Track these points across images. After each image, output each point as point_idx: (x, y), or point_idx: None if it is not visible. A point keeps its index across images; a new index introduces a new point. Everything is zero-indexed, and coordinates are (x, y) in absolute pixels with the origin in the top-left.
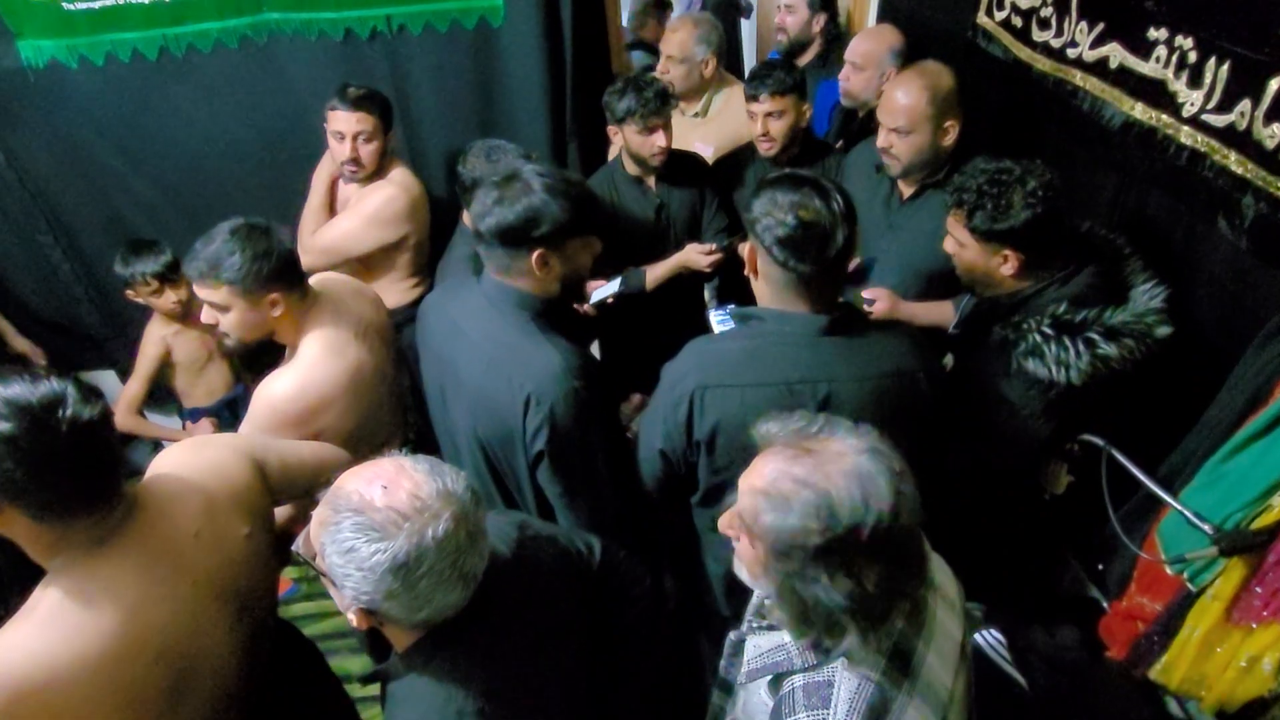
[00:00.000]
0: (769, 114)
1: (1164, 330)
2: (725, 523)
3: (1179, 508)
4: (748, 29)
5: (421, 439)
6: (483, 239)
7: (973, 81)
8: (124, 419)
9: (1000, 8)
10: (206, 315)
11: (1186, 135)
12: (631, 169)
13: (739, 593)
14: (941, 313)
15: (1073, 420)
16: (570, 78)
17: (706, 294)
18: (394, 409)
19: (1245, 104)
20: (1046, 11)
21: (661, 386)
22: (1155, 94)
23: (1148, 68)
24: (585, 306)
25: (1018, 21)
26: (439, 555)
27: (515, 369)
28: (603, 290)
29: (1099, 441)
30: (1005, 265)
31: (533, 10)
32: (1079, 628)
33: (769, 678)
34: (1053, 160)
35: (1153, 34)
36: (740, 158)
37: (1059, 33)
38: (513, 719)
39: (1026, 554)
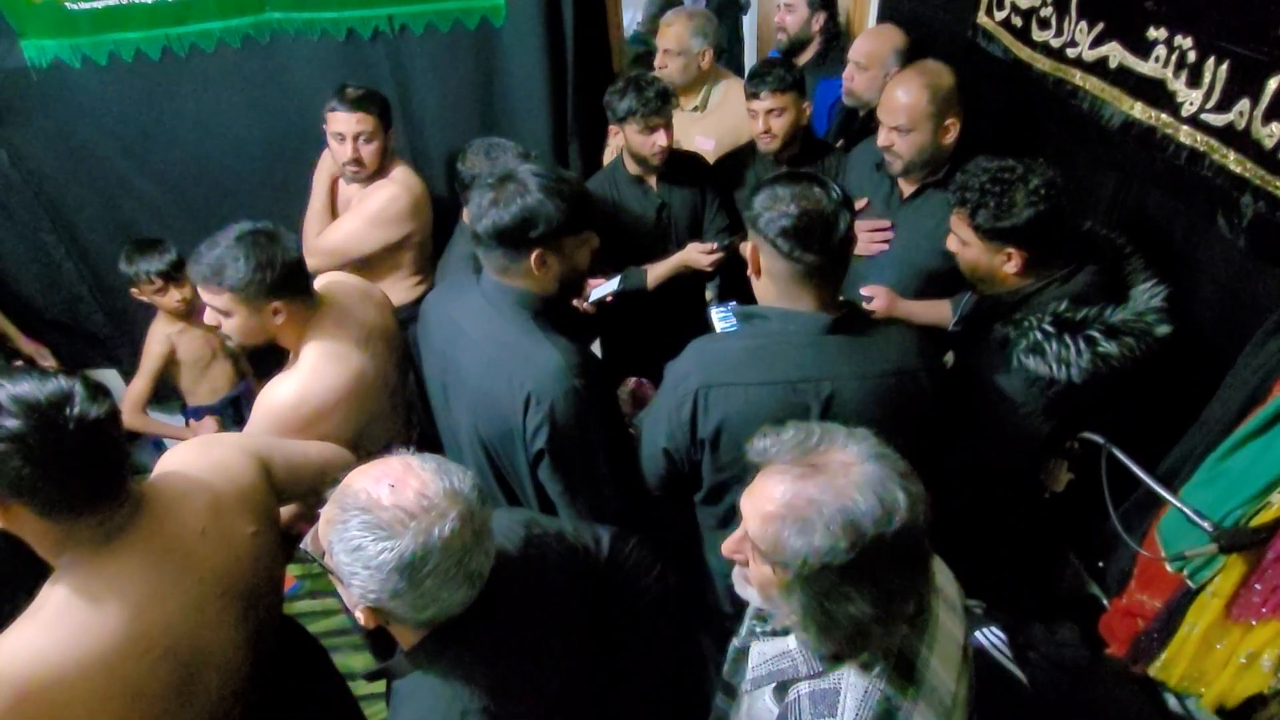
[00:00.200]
0: (770, 111)
1: (1164, 329)
2: (731, 548)
3: (1179, 505)
4: (749, 28)
5: (425, 440)
6: (480, 241)
7: (973, 81)
8: (129, 417)
9: (1000, 7)
10: (209, 317)
11: (1186, 134)
12: (633, 168)
13: None
14: (940, 311)
15: (1073, 418)
16: (571, 77)
17: (708, 293)
18: (396, 414)
19: (1244, 103)
20: (1046, 11)
21: (665, 385)
22: (1154, 93)
23: (1147, 67)
24: (584, 304)
25: (1018, 21)
26: (445, 554)
27: (515, 368)
28: (602, 288)
29: (1099, 439)
30: (1008, 263)
31: (534, 10)
32: (1079, 625)
33: (774, 684)
34: (1052, 159)
35: (1152, 34)
36: (740, 157)
37: (1059, 32)
38: (517, 717)
39: (1027, 552)
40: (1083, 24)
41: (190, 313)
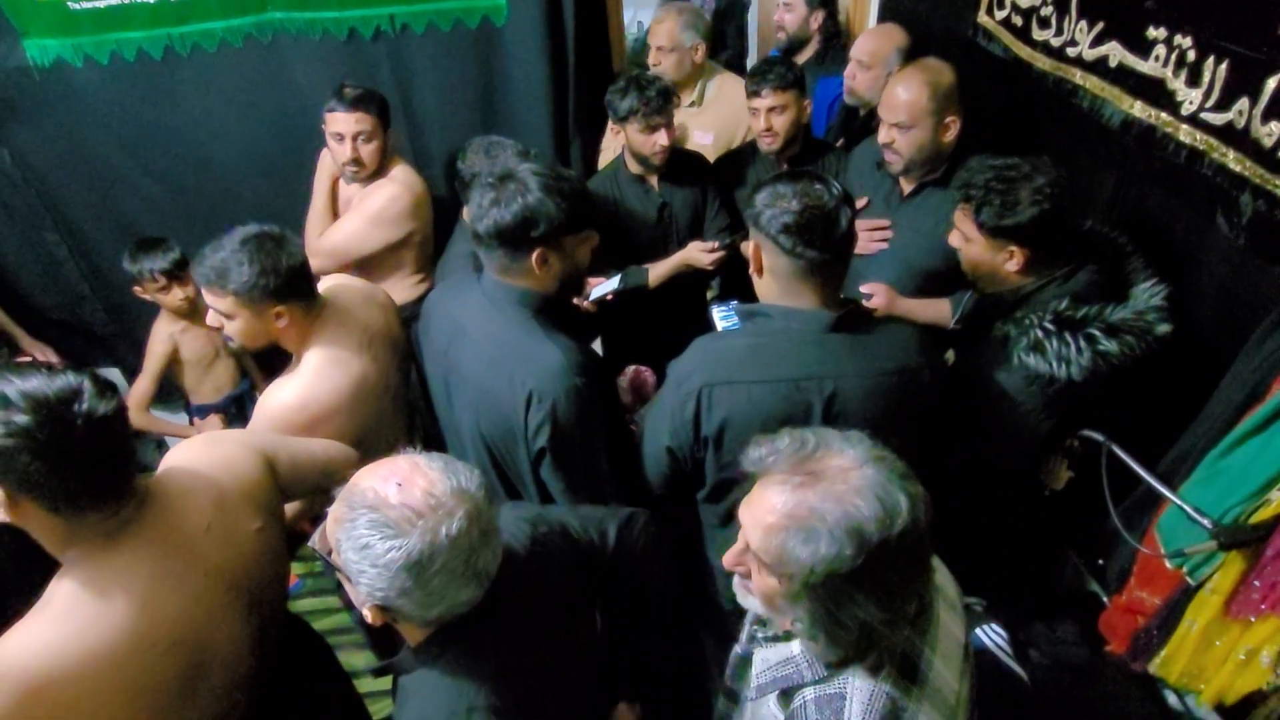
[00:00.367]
0: (771, 109)
1: (1164, 328)
2: (732, 561)
3: (1178, 502)
4: (750, 27)
5: (430, 441)
6: (481, 240)
7: (973, 80)
8: (134, 416)
9: (1000, 6)
10: (212, 319)
11: (1185, 133)
12: (634, 168)
13: None
14: (939, 310)
15: (1073, 416)
16: (573, 77)
17: (709, 292)
18: (398, 418)
19: (1243, 102)
20: (1046, 10)
21: (668, 384)
22: (1154, 92)
23: (1147, 66)
24: (585, 303)
25: (1018, 20)
26: (452, 553)
27: (516, 366)
28: (602, 287)
29: (1099, 437)
30: (1011, 261)
31: (535, 9)
32: (1079, 622)
33: (779, 691)
34: (1052, 159)
35: (1152, 33)
36: (741, 157)
37: (1059, 31)
38: (523, 714)
39: (1027, 549)
40: (1083, 23)
41: (193, 311)
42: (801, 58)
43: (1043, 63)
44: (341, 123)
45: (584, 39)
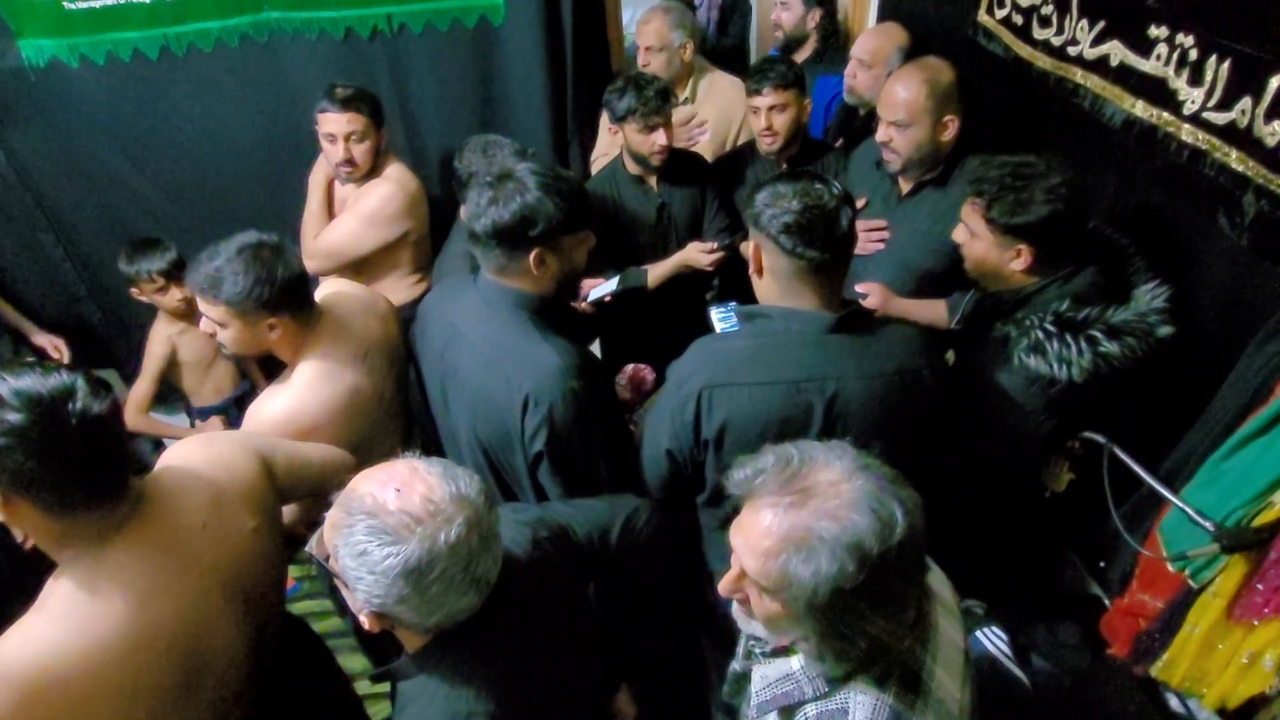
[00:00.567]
0: (772, 107)
1: (1165, 330)
2: (728, 589)
3: (1181, 505)
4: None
5: (428, 448)
6: (478, 240)
7: (973, 79)
8: (133, 419)
9: (1001, 5)
10: (205, 325)
11: (1187, 133)
12: (633, 168)
13: None
14: (935, 311)
15: (1074, 417)
16: (570, 77)
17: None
18: (393, 429)
19: (1246, 101)
20: (1047, 9)
21: (667, 386)
22: (1156, 92)
23: (1148, 65)
24: (582, 304)
25: (1018, 19)
26: (451, 560)
27: (513, 369)
28: (600, 289)
29: (1100, 439)
30: (1017, 260)
31: (533, 9)
32: (1080, 625)
33: (779, 708)
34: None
35: (1153, 32)
36: (740, 157)
37: (1059, 31)
38: (524, 718)
39: (1027, 551)
40: (1084, 22)
41: (191, 312)
42: (799, 56)
43: (1043, 62)
44: (333, 123)
45: (582, 39)
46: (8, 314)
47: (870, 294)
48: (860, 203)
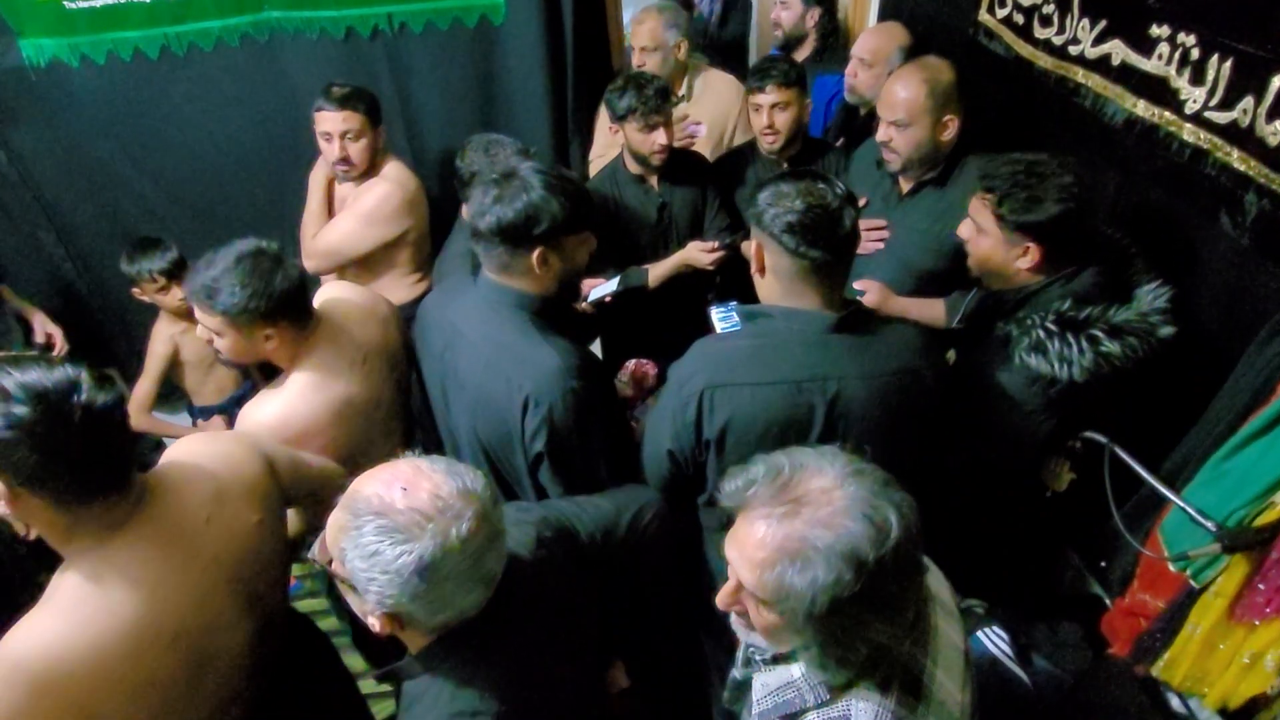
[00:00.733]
0: (774, 105)
1: (1167, 330)
2: (726, 602)
3: (1182, 505)
4: (750, 26)
5: (429, 450)
6: (481, 237)
7: (974, 79)
8: (135, 418)
9: (1002, 5)
10: (202, 331)
11: (1189, 132)
12: (634, 168)
13: None
14: (933, 310)
15: (1075, 417)
16: (571, 76)
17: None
18: (390, 437)
19: (1248, 101)
20: (1049, 9)
21: (668, 387)
22: (1157, 91)
23: (1150, 65)
24: (583, 304)
25: (1019, 19)
26: (463, 555)
27: (513, 370)
28: (601, 289)
29: (1101, 438)
30: (1024, 258)
31: (534, 8)
32: (1081, 624)
33: (781, 716)
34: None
35: (1155, 31)
36: (741, 157)
37: (1061, 30)
38: (528, 718)
39: (1028, 551)
40: (1085, 21)
41: (193, 312)
42: (799, 55)
43: (1044, 61)
44: (329, 121)
45: (583, 38)
46: (12, 301)
47: (868, 291)
48: (860, 202)
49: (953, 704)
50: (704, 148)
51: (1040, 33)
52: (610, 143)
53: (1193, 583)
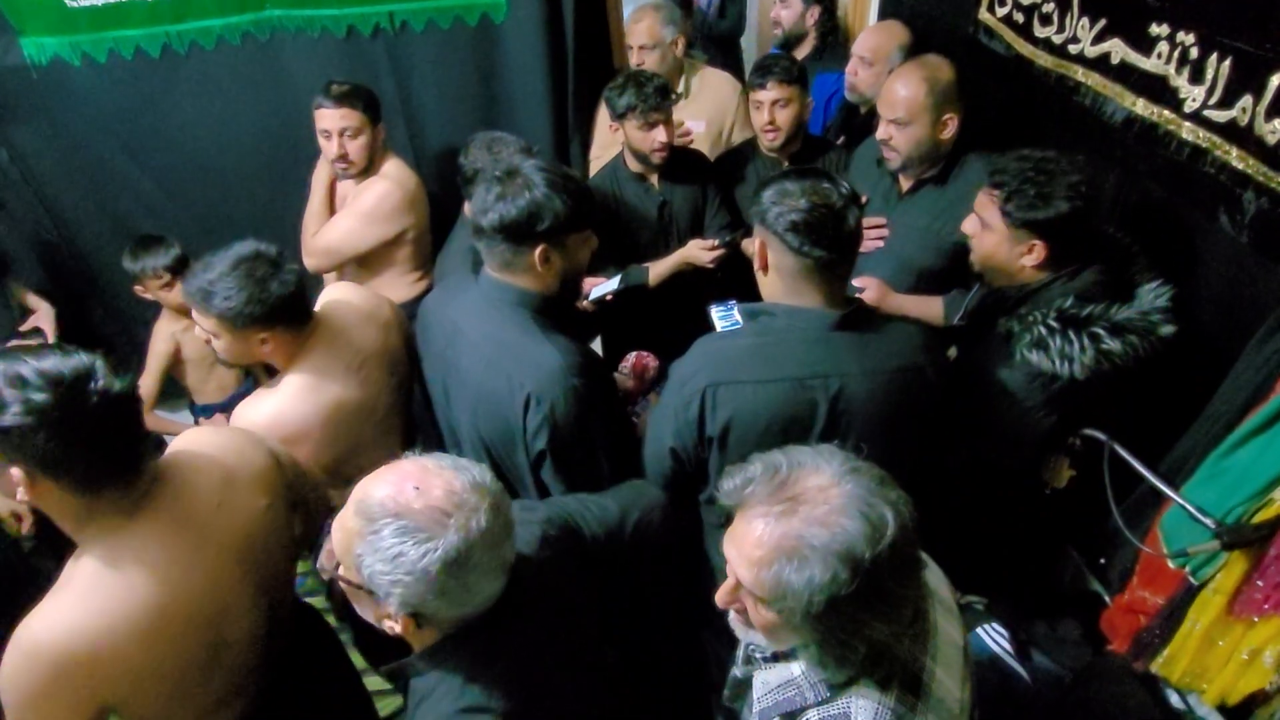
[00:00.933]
0: (776, 102)
1: (1168, 329)
2: (725, 600)
3: (1181, 502)
4: (750, 24)
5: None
6: (484, 235)
7: (974, 77)
8: None
9: (1002, 3)
10: (199, 332)
11: (1188, 131)
12: (634, 166)
13: None
14: (931, 308)
15: (1075, 414)
16: (572, 75)
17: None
18: (390, 436)
19: (1247, 99)
20: (1048, 8)
21: (670, 384)
22: (1157, 90)
23: (1149, 64)
24: (584, 303)
25: (1019, 17)
26: (485, 546)
27: (515, 368)
28: (602, 287)
29: (1101, 436)
30: (1029, 255)
31: (535, 7)
32: (1081, 621)
33: (781, 714)
34: None
35: (1154, 30)
36: (741, 155)
37: (1060, 29)
38: (534, 714)
39: (1028, 548)
40: (1084, 20)
41: None
42: (799, 54)
43: (1044, 60)
44: (328, 119)
45: (584, 37)
46: (19, 293)
47: (867, 288)
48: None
49: (952, 701)
50: (702, 146)
51: (1040, 31)
52: (610, 141)
53: (1192, 579)
